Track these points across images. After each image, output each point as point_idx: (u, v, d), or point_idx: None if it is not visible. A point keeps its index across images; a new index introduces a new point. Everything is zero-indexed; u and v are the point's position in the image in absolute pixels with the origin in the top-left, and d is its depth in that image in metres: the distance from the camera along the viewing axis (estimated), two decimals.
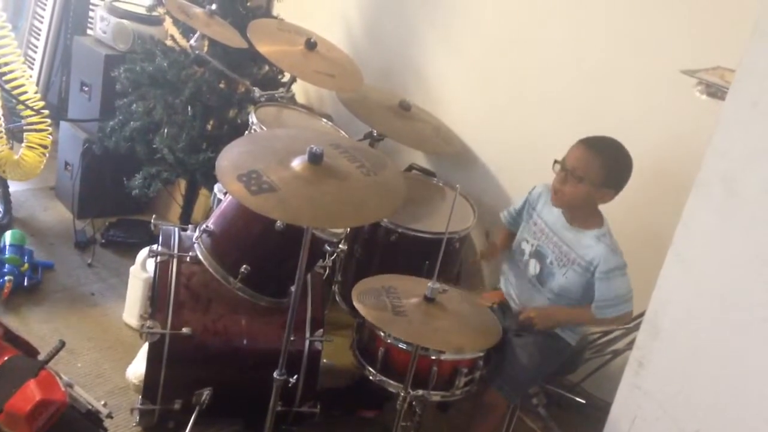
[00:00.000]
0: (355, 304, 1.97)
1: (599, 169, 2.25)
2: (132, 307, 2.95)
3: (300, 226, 1.92)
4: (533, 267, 2.43)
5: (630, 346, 2.83)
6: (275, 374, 2.00)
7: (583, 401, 2.71)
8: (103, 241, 3.48)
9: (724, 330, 1.59)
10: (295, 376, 2.07)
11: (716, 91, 2.00)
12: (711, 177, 1.58)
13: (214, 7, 2.91)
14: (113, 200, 3.57)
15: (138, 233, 3.52)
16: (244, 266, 2.14)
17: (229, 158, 1.79)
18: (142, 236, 3.47)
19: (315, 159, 1.78)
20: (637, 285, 2.31)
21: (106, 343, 2.86)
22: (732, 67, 2.19)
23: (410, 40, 3.37)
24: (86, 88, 3.56)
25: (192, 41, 2.81)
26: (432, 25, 3.29)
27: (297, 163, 1.79)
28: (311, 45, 2.75)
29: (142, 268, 2.90)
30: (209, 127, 3.26)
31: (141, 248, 2.95)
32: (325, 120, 2.86)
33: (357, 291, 2.03)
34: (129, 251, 3.31)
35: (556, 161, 2.32)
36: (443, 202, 2.92)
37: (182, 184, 3.50)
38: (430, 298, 1.97)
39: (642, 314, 2.72)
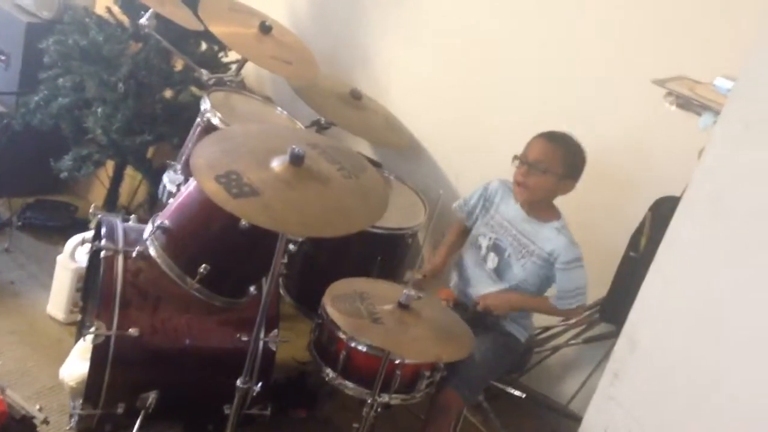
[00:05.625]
0: (329, 310, 1.89)
1: (562, 160, 2.34)
2: (58, 300, 2.75)
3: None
4: (491, 260, 2.46)
5: (569, 342, 2.92)
6: (239, 382, 1.91)
7: (523, 395, 2.76)
8: (20, 223, 3.23)
9: (702, 348, 1.61)
10: (259, 384, 1.98)
11: (685, 104, 2.03)
12: (698, 196, 1.60)
13: None
14: (30, 178, 3.32)
15: (57, 216, 3.30)
16: (204, 265, 2.01)
17: (204, 156, 1.67)
18: (62, 219, 3.27)
19: (296, 161, 1.69)
20: None
21: (31, 337, 2.65)
22: (695, 78, 2.25)
23: (359, 25, 3.26)
24: (3, 58, 3.27)
25: (144, 20, 2.57)
26: (384, 11, 3.19)
27: (277, 164, 1.69)
28: (266, 29, 2.61)
29: (72, 257, 2.69)
30: (144, 107, 3.05)
31: (61, 232, 2.76)
32: (279, 109, 2.73)
33: (329, 296, 1.95)
34: (48, 235, 3.12)
35: (515, 156, 2.37)
36: (391, 195, 2.86)
37: (109, 164, 3.29)
38: (405, 305, 1.92)
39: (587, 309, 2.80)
